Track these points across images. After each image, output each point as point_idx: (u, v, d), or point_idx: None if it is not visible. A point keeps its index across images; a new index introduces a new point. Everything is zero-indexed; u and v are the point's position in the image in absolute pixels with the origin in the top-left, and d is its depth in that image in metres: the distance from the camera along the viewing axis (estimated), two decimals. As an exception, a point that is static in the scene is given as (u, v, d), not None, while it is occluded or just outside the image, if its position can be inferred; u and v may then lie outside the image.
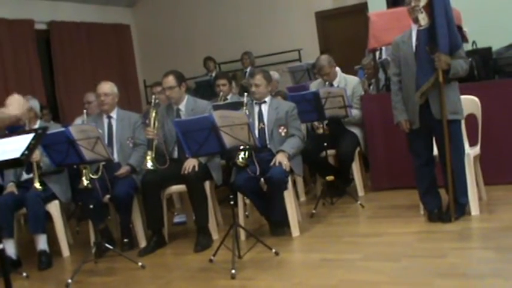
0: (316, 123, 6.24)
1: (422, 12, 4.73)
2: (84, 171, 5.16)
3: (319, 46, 10.70)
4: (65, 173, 5.84)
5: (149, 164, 5.38)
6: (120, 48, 12.22)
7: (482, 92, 5.56)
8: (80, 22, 11.21)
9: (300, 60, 10.61)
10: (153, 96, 5.86)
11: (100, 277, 4.97)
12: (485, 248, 4.36)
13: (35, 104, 5.89)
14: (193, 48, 11.75)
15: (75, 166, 5.34)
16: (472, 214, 5.05)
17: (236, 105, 5.67)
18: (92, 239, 5.53)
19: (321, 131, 6.16)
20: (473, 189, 5.07)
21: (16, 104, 3.43)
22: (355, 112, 6.37)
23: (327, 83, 6.51)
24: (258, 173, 5.17)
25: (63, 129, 5.12)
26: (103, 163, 5.34)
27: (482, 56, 6.13)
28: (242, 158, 5.00)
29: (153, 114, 5.57)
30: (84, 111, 5.84)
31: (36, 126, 5.76)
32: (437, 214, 5.03)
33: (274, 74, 7.98)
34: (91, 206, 5.23)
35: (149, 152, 5.45)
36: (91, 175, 5.24)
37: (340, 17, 10.64)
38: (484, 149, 5.37)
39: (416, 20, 4.83)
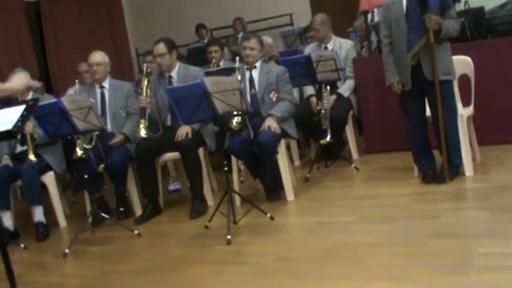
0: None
1: (412, -27, 4.69)
2: (77, 141, 5.16)
3: (310, 10, 10.61)
4: (59, 144, 5.84)
5: (143, 133, 5.37)
6: (111, 17, 12.10)
7: (475, 52, 5.53)
8: (70, -8, 11.08)
9: (291, 24, 10.54)
10: (145, 65, 5.83)
11: (97, 246, 5.00)
12: (479, 208, 4.38)
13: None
14: (184, 16, 11.64)
15: (68, 137, 5.34)
16: (466, 175, 5.06)
17: (228, 71, 5.63)
18: (88, 208, 5.54)
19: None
20: (466, 150, 5.08)
21: (16, 79, 3.52)
22: (349, 82, 6.41)
23: (322, 45, 6.52)
24: (252, 136, 5.16)
25: (55, 100, 5.10)
26: (96, 133, 5.34)
27: (475, 15, 6.08)
28: (236, 122, 4.99)
29: (145, 83, 5.54)
30: (76, 81, 5.82)
31: (29, 98, 5.73)
32: (432, 175, 5.04)
33: (268, 39, 7.93)
34: (86, 176, 5.24)
35: (142, 121, 5.42)
36: (85, 145, 5.24)
37: (331, -20, 10.53)
38: (477, 109, 5.36)
39: (405, -18, 4.80)
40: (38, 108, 4.87)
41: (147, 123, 5.41)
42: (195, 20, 11.05)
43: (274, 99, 5.46)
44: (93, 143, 5.38)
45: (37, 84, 5.63)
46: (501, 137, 5.85)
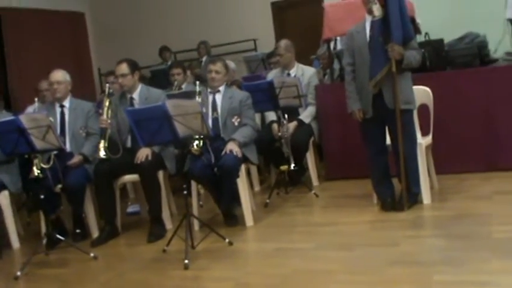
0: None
1: (376, 4, 4.77)
2: (35, 160, 5.06)
3: (274, 36, 10.70)
4: (15, 163, 5.71)
5: (102, 153, 5.30)
6: (74, 36, 12.00)
7: (435, 83, 5.65)
8: (33, 9, 10.92)
9: (255, 49, 10.61)
10: (107, 85, 5.78)
11: (51, 269, 4.88)
12: (436, 236, 4.43)
13: (-16, 92, 5.77)
14: (149, 37, 11.61)
15: (25, 155, 5.23)
16: (424, 203, 5.12)
17: (190, 94, 5.63)
18: (43, 230, 5.41)
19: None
20: (425, 178, 5.15)
21: None
22: (310, 109, 6.47)
23: (285, 71, 6.59)
24: (213, 161, 5.14)
25: (13, 117, 5.02)
26: (55, 152, 5.25)
27: (435, 47, 6.21)
28: (196, 145, 4.94)
29: (107, 104, 5.48)
30: (36, 99, 5.73)
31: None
32: (391, 203, 5.09)
33: (231, 64, 7.94)
34: (42, 196, 5.12)
35: (102, 141, 5.36)
36: (42, 165, 5.13)
37: (296, 7, 10.67)
38: (435, 138, 5.45)
39: (370, 11, 4.87)
40: (-6, 125, 4.80)
41: (107, 144, 5.34)
42: (160, 42, 11.06)
43: (236, 123, 5.46)
44: (51, 162, 5.28)
45: None
46: (458, 166, 5.95)
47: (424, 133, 5.35)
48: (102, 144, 5.33)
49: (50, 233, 5.12)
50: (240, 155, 5.18)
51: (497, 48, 6.26)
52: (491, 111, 5.93)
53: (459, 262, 3.72)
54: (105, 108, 5.46)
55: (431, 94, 5.38)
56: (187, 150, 5.00)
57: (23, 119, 4.80)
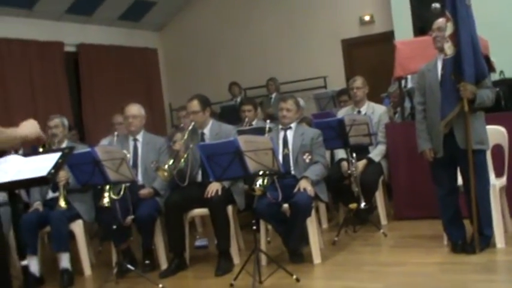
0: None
1: (448, 41, 4.74)
2: (106, 191, 5.18)
3: (345, 74, 10.72)
4: (90, 193, 5.88)
5: (165, 168, 5.33)
6: (146, 71, 12.35)
7: (510, 123, 5.50)
8: (108, 45, 11.36)
9: (325, 87, 10.62)
10: (192, 123, 5.75)
11: (121, 298, 4.98)
12: (510, 281, 4.29)
13: (65, 122, 5.99)
14: (218, 73, 11.82)
15: (99, 187, 5.37)
16: (498, 246, 4.97)
17: (261, 131, 5.70)
18: (114, 259, 5.54)
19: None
20: (498, 221, 5.01)
21: (29, 125, 3.46)
22: (380, 147, 6.42)
23: (356, 109, 6.59)
24: (280, 198, 5.15)
25: (89, 149, 5.18)
26: (127, 184, 5.38)
27: (510, 85, 6.09)
28: (260, 185, 4.90)
29: (185, 136, 5.54)
30: (116, 133, 5.92)
31: (64, 145, 5.82)
32: (461, 245, 4.97)
33: (300, 101, 8.00)
34: (114, 227, 5.25)
35: (171, 160, 5.40)
36: (112, 195, 5.26)
37: (366, 45, 10.66)
38: (510, 180, 5.30)
39: (441, 49, 4.85)
40: (72, 156, 4.95)
41: (171, 164, 5.37)
42: (229, 78, 11.20)
43: (307, 160, 5.46)
44: (121, 193, 5.39)
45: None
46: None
47: (499, 174, 5.22)
48: (170, 162, 5.39)
49: (121, 263, 5.24)
50: (313, 194, 5.19)
51: None
52: None
53: (535, 309, 3.61)
54: (185, 137, 5.52)
55: (506, 134, 5.25)
56: (251, 188, 5.01)
57: (98, 150, 4.96)
